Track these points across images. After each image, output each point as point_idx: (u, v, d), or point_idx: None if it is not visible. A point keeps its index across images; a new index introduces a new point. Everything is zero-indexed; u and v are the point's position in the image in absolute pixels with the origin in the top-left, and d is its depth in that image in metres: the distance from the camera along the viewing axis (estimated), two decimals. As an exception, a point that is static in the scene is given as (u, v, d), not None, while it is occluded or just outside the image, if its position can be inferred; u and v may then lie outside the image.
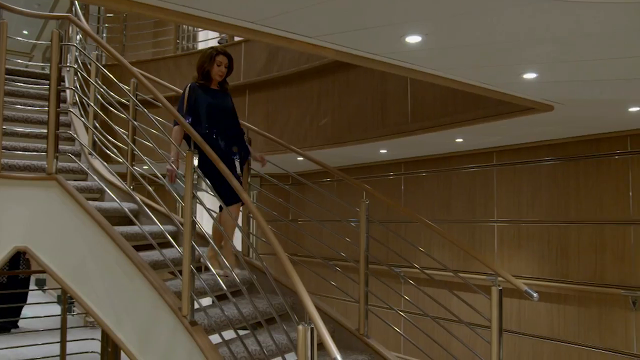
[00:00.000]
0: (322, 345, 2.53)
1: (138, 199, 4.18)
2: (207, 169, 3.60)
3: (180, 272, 3.38)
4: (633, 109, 4.01)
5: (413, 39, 2.62)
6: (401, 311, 4.25)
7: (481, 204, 6.08)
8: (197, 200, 3.39)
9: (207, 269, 3.97)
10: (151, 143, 3.90)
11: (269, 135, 4.99)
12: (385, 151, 6.36)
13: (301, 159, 6.44)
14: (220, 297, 3.63)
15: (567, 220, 5.28)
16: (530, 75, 3.13)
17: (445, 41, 2.69)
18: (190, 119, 3.92)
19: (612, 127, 4.76)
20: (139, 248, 3.81)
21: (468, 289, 3.88)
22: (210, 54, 4.06)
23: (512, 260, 5.68)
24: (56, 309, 7.94)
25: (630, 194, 4.84)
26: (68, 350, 6.09)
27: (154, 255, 3.89)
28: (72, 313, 8.87)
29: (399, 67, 3.07)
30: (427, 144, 5.71)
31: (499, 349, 3.41)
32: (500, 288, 3.41)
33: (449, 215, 6.34)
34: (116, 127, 4.59)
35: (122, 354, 5.81)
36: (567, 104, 3.85)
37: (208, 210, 3.59)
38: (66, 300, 6.35)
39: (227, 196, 3.73)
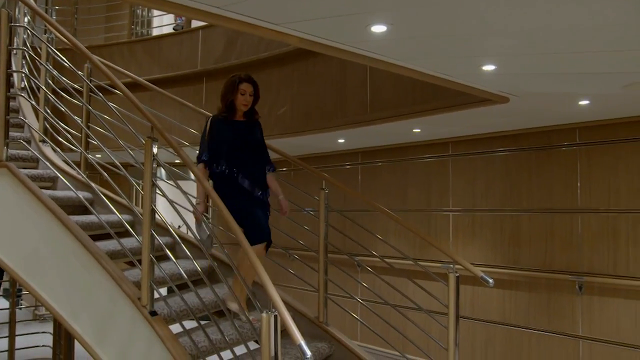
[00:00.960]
0: (284, 333, 2.55)
1: (95, 187, 4.07)
2: (228, 203, 3.29)
3: (140, 261, 3.32)
4: (583, 102, 4.16)
5: (378, 29, 2.64)
6: (360, 299, 4.31)
7: (437, 194, 6.21)
8: (157, 189, 3.34)
9: (166, 257, 3.90)
10: (108, 130, 3.81)
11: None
12: (343, 141, 6.39)
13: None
14: (181, 287, 3.59)
15: (519, 209, 5.45)
16: (489, 67, 3.21)
17: (410, 31, 2.72)
18: (206, 157, 3.59)
19: (563, 120, 4.93)
20: (94, 238, 3.72)
21: (424, 276, 3.97)
22: (233, 82, 3.66)
23: (466, 248, 5.83)
24: (4, 303, 7.67)
25: (579, 184, 5.04)
26: (17, 345, 5.91)
27: (111, 244, 3.80)
28: (21, 306, 8.59)
29: (363, 56, 3.10)
30: (385, 133, 5.77)
31: (455, 334, 3.51)
32: (458, 275, 3.51)
33: (405, 205, 6.44)
34: (69, 113, 4.44)
35: (76, 347, 5.69)
36: (522, 96, 3.96)
37: (171, 202, 3.52)
38: (14, 293, 6.15)
39: (249, 235, 3.32)
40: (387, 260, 4.12)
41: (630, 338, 4.65)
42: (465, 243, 5.85)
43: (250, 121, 3.76)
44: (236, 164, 3.58)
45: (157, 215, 3.33)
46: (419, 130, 5.58)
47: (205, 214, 3.63)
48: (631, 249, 4.69)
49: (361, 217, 6.55)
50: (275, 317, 2.50)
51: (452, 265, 3.56)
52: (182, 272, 3.27)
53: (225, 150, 3.60)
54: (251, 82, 3.69)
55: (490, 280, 3.51)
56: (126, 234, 4.01)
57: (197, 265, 3.30)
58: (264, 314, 2.50)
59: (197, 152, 3.68)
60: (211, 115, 3.80)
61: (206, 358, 3.23)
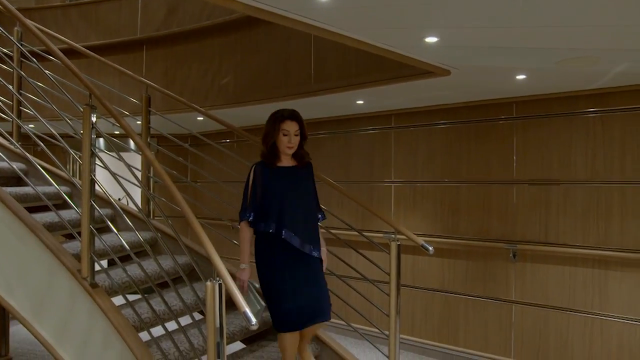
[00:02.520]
0: (229, 303, 2.56)
1: (31, 158, 3.90)
2: (265, 279, 3.15)
3: (80, 233, 3.24)
4: (519, 77, 4.30)
5: (323, -4, 2.63)
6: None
7: (379, 165, 6.31)
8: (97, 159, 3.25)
9: (107, 230, 3.81)
10: (43, 98, 3.65)
11: (169, 92, 4.84)
12: (287, 112, 6.37)
13: (201, 118, 6.32)
14: (124, 260, 3.53)
15: (458, 180, 5.62)
16: (432, 39, 3.26)
17: (354, 0, 2.72)
18: (251, 216, 3.15)
19: (501, 94, 5.08)
20: (30, 210, 3.59)
21: (366, 247, 4.06)
22: (274, 121, 3.15)
23: (407, 218, 5.98)
24: None
25: (515, 157, 5.24)
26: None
27: (48, 217, 3.69)
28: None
29: (308, 25, 3.08)
30: (329, 105, 5.79)
31: (397, 301, 3.62)
32: (399, 243, 3.61)
33: (349, 176, 6.52)
34: None
35: (12, 322, 5.51)
36: (462, 70, 4.06)
37: (113, 173, 3.41)
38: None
39: (279, 320, 3.12)
40: (331, 231, 4.18)
41: (558, 301, 4.93)
42: (406, 213, 6.00)
43: (300, 164, 3.24)
44: (285, 221, 3.11)
45: (97, 187, 3.25)
46: (362, 102, 5.62)
47: (253, 282, 3.18)
48: (561, 218, 4.94)
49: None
50: (220, 285, 2.50)
51: (394, 235, 3.66)
52: (124, 243, 3.21)
53: (273, 206, 3.12)
54: (296, 119, 3.15)
55: (430, 248, 3.63)
56: (65, 206, 3.90)
57: (139, 237, 3.25)
58: (208, 282, 2.50)
59: (241, 204, 3.22)
60: (254, 163, 3.24)
61: (150, 329, 3.20)
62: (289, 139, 3.12)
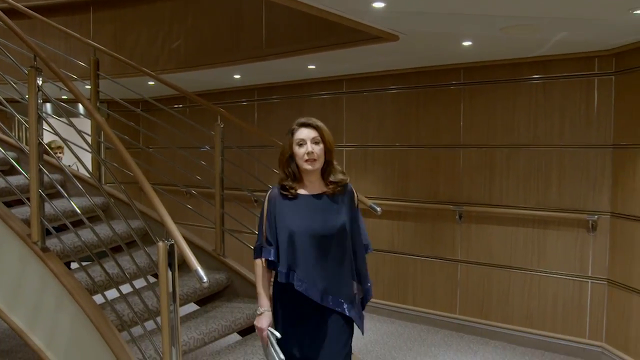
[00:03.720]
0: (183, 266, 2.62)
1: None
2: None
3: (29, 199, 3.22)
4: (466, 43, 4.42)
5: (271, -39, 2.66)
6: (256, 232, 4.42)
7: (331, 130, 6.24)
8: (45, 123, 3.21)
9: (57, 196, 3.78)
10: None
11: (119, 56, 4.75)
12: (239, 76, 6.35)
13: (152, 82, 6.23)
14: (76, 225, 3.51)
15: (408, 144, 5.77)
16: (379, 5, 3.32)
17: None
18: (273, 257, 2.54)
19: (449, 60, 5.21)
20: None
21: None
22: (287, 133, 2.57)
23: (359, 182, 6.11)
24: None
25: (462, 122, 5.41)
26: None
27: (-6, 182, 3.63)
28: None
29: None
30: (281, 70, 5.80)
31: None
32: (350, 205, 3.72)
33: (302, 141, 6.59)
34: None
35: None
36: (410, 35, 4.14)
37: (63, 139, 3.37)
38: None
39: None
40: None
41: (500, 259, 5.19)
42: (358, 177, 6.13)
43: (330, 189, 2.57)
44: (300, 262, 2.48)
45: (45, 151, 3.21)
46: (314, 67, 5.66)
47: (273, 330, 2.56)
48: (504, 181, 5.16)
49: (257, 153, 6.65)
50: (172, 246, 2.55)
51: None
52: (75, 207, 3.21)
53: (286, 242, 2.50)
54: (312, 126, 2.52)
55: (378, 209, 3.76)
56: (13, 171, 3.85)
57: (92, 201, 3.26)
58: (160, 243, 2.54)
59: (256, 239, 2.65)
60: (270, 188, 2.65)
61: (105, 292, 3.24)
62: (305, 150, 2.47)
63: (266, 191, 2.65)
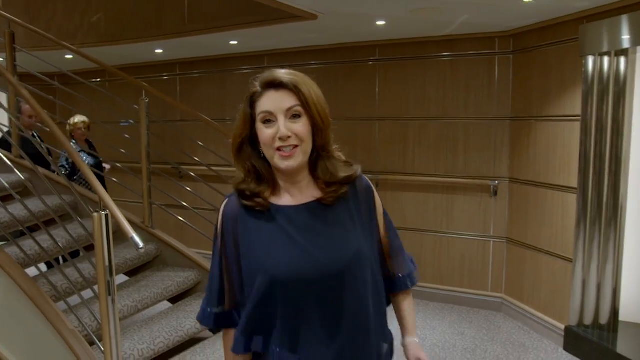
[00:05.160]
0: (117, 236, 2.76)
1: None
2: None
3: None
4: (379, 23, 4.71)
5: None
6: (187, 205, 4.55)
7: (254, 105, 6.54)
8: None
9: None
10: None
11: (36, 29, 4.68)
12: (161, 51, 6.36)
13: (70, 56, 6.13)
14: (5, 200, 3.54)
15: (327, 118, 6.04)
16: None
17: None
18: (225, 315, 1.51)
19: (365, 37, 5.49)
20: None
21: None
22: (248, 99, 1.48)
23: (281, 154, 6.35)
24: None
25: (377, 96, 5.74)
26: None
27: None
28: None
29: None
30: (203, 45, 5.87)
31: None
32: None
33: (225, 115, 6.69)
34: None
35: None
36: (328, 14, 4.36)
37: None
38: None
39: None
40: (202, 168, 4.40)
41: (414, 223, 5.63)
42: (281, 150, 6.35)
43: (336, 195, 1.49)
44: (296, 344, 1.41)
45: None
46: (236, 43, 5.78)
47: None
48: (417, 151, 5.57)
49: (180, 128, 6.72)
50: (107, 216, 2.69)
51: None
52: (3, 182, 3.25)
53: (264, 307, 1.41)
54: (286, 86, 1.43)
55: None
56: None
57: (20, 175, 3.30)
58: (95, 214, 2.67)
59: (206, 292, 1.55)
60: (225, 197, 1.54)
61: (39, 265, 3.31)
62: (276, 130, 1.39)
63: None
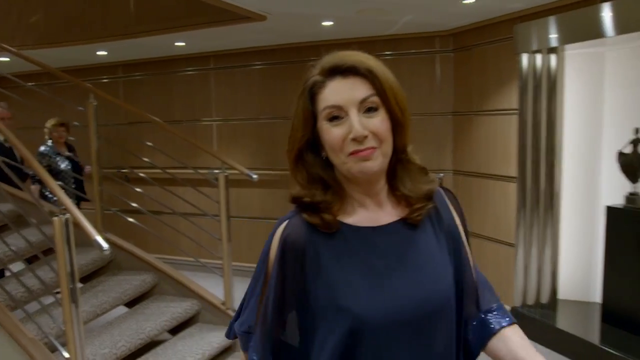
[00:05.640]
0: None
1: None
2: None
3: None
4: (327, 23, 4.82)
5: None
6: (140, 208, 4.51)
7: (200, 105, 6.54)
8: None
9: None
10: None
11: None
12: (104, 53, 6.24)
13: (7, 59, 5.93)
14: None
15: (274, 116, 6.12)
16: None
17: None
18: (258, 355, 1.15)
19: (311, 37, 5.59)
20: None
21: (194, 183, 4.37)
22: (301, 94, 1.20)
23: (230, 154, 6.33)
24: None
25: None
26: None
27: None
28: None
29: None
30: (148, 46, 5.81)
31: (227, 226, 4.05)
32: (227, 174, 4.01)
33: (172, 117, 6.64)
34: None
35: None
36: (276, 15, 4.44)
37: None
38: None
39: None
40: (155, 170, 4.39)
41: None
42: (229, 150, 6.37)
43: (422, 213, 1.18)
44: None
45: None
46: (183, 44, 5.76)
47: None
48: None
49: (127, 131, 6.62)
50: (67, 219, 2.67)
51: (221, 168, 4.03)
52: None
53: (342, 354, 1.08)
54: (358, 71, 1.11)
55: (254, 176, 4.08)
56: None
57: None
58: (55, 218, 2.64)
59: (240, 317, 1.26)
60: (280, 221, 1.24)
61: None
62: (348, 129, 1.08)
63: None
